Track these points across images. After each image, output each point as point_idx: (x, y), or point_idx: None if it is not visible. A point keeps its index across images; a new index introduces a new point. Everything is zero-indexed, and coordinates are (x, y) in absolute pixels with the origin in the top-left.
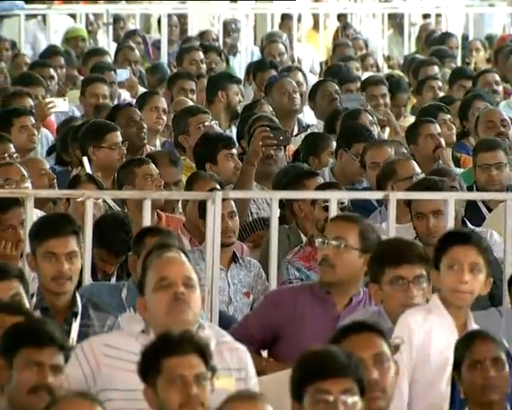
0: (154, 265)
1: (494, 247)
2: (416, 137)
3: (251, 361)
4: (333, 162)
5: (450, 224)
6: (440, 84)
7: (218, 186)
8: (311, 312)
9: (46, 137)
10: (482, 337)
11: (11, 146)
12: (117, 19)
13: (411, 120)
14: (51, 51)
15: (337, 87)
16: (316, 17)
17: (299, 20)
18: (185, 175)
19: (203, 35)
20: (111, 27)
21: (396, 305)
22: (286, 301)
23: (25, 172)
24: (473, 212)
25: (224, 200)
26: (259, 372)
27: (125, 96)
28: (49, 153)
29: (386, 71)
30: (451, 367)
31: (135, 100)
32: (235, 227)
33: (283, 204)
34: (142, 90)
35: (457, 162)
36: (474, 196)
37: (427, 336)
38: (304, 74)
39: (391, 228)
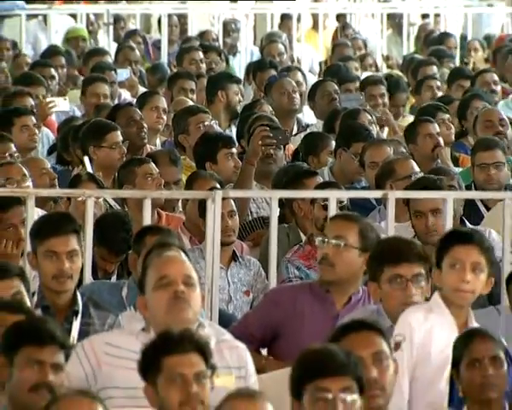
0: (154, 263)
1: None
2: (414, 137)
3: (251, 359)
4: (332, 162)
5: (449, 223)
6: (439, 83)
7: (218, 185)
8: (311, 310)
9: (47, 136)
10: (481, 336)
11: (12, 145)
12: (117, 19)
13: (410, 119)
14: (52, 51)
15: (336, 87)
16: (315, 17)
17: (298, 20)
18: (185, 174)
19: (203, 35)
20: (111, 27)
21: (395, 303)
22: (285, 299)
23: (26, 172)
24: (471, 211)
25: (223, 199)
26: (259, 371)
27: (126, 95)
28: (49, 152)
29: (385, 71)
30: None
31: (135, 100)
32: (234, 226)
33: (283, 203)
34: (142, 89)
35: (456, 162)
36: (473, 195)
37: (427, 334)
38: (303, 74)
39: (390, 227)
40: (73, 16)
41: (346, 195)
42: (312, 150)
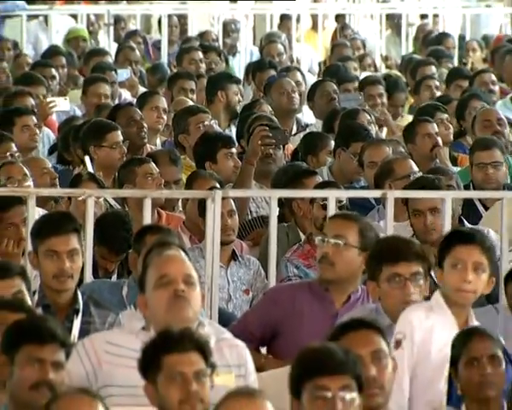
0: (154, 263)
1: None
2: (413, 137)
3: (250, 358)
4: (331, 161)
5: (448, 222)
6: (437, 83)
7: (218, 185)
8: (310, 309)
9: (48, 136)
10: (479, 334)
11: (13, 145)
12: (118, 19)
13: (409, 119)
14: (53, 51)
15: (335, 87)
16: (314, 18)
17: (297, 20)
18: (185, 174)
19: (203, 35)
20: (112, 28)
21: (393, 302)
22: (285, 298)
23: (27, 171)
24: (469, 210)
25: (223, 198)
26: (259, 369)
27: (126, 95)
28: (50, 152)
29: (383, 71)
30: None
31: (135, 100)
32: (234, 225)
33: (282, 203)
34: (142, 89)
35: (454, 161)
36: (471, 194)
37: (428, 333)
38: (302, 74)
39: (389, 226)
40: (74, 17)
41: (345, 194)
42: (311, 150)
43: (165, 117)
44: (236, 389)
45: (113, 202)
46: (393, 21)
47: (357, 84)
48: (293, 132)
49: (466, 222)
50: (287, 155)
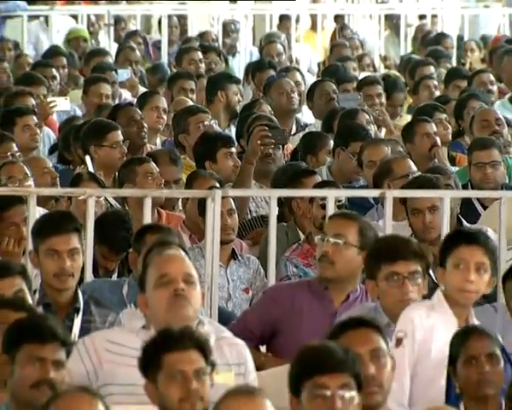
0: (154, 262)
1: None
2: (412, 136)
3: (250, 356)
4: (330, 161)
5: (446, 222)
6: (436, 83)
7: (218, 184)
8: (309, 308)
9: (48, 135)
10: (477, 333)
11: (14, 145)
12: (118, 20)
13: (408, 119)
14: (53, 51)
15: (334, 87)
16: (313, 18)
17: (297, 20)
18: (185, 173)
19: (203, 36)
20: (112, 28)
21: (392, 301)
22: (284, 297)
23: (27, 171)
24: (468, 210)
25: (223, 198)
26: (258, 367)
27: (126, 95)
28: (51, 151)
29: (382, 71)
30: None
31: (135, 100)
32: (234, 225)
33: (282, 202)
34: (142, 89)
35: (453, 161)
36: (469, 193)
37: (429, 331)
38: (302, 74)
39: (388, 225)
40: (74, 17)
41: (344, 194)
42: (311, 150)
43: (165, 117)
44: (236, 388)
45: (113, 202)
46: (392, 22)
47: (355, 84)
48: (293, 132)
49: (464, 221)
50: (286, 155)
